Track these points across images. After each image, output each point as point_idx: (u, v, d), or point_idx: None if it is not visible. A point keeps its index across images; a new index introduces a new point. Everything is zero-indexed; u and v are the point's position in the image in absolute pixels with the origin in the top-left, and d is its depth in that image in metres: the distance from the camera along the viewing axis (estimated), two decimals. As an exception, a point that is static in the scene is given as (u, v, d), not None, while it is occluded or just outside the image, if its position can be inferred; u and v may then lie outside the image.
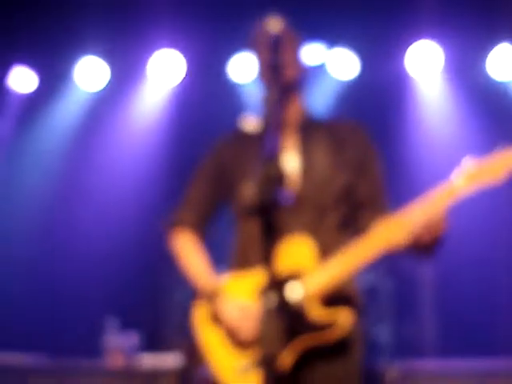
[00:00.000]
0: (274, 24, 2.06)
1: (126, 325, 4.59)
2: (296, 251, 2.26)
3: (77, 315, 5.77)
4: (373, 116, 4.36)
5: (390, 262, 5.71)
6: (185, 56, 6.07)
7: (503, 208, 5.80)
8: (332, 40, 5.94)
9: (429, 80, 6.07)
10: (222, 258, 2.50)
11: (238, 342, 2.25)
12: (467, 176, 2.12)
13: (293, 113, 2.46)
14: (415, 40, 5.79)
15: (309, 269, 2.23)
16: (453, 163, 2.18)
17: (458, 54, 5.87)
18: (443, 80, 6.07)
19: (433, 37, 5.75)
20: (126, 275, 5.95)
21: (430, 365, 4.64)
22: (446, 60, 5.84)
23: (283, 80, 2.22)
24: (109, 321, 4.43)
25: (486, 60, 5.82)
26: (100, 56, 6.03)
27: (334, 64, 6.08)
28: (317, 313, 2.20)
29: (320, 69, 6.06)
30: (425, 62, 5.83)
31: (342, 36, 5.95)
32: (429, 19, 5.65)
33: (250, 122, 2.45)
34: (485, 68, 5.85)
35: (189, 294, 5.63)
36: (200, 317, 2.37)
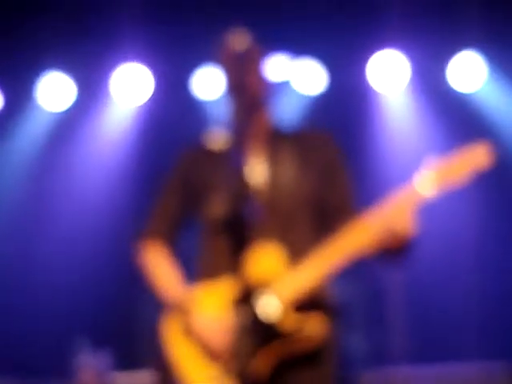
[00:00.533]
0: (239, 41, 2.07)
1: (99, 344, 4.53)
2: (266, 259, 2.26)
3: (47, 334, 5.66)
4: (339, 127, 4.41)
5: (358, 269, 5.75)
6: (150, 70, 6.03)
7: (472, 211, 5.87)
8: (297, 51, 5.97)
9: (394, 90, 6.13)
10: (189, 273, 2.50)
11: (210, 354, 2.23)
12: (430, 177, 2.12)
13: (260, 127, 2.47)
14: (379, 50, 5.84)
15: (280, 276, 2.23)
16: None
17: (423, 64, 5.93)
18: (408, 90, 6.12)
19: (397, 47, 5.81)
20: (98, 293, 5.86)
21: (402, 371, 4.67)
22: (411, 70, 5.90)
23: (248, 97, 2.24)
24: (80, 340, 4.36)
25: (450, 69, 5.89)
26: (63, 72, 5.96)
27: (299, 77, 6.10)
28: (290, 321, 2.20)
29: (285, 83, 6.10)
30: (389, 73, 5.88)
31: (307, 47, 5.98)
32: (393, 29, 5.71)
33: (216, 137, 2.46)
34: (448, 77, 5.92)
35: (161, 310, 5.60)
36: (170, 329, 2.35)
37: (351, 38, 5.72)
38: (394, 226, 2.10)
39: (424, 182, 2.11)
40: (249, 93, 2.23)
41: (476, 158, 2.12)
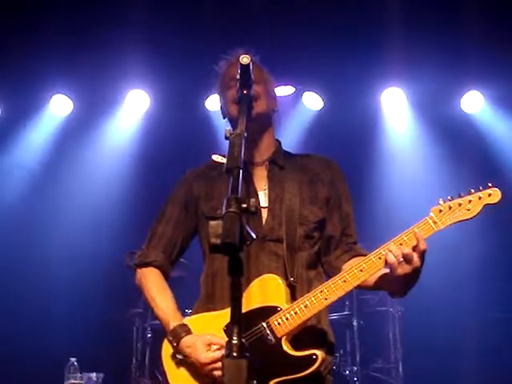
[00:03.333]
0: (244, 57, 2.05)
1: (90, 366, 4.46)
2: (267, 289, 2.21)
3: (38, 356, 5.59)
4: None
5: (358, 299, 5.72)
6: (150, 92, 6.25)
7: (473, 246, 5.88)
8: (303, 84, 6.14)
9: (396, 120, 6.48)
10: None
11: (207, 381, 2.19)
12: (443, 213, 2.14)
13: (264, 147, 2.45)
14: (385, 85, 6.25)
15: (280, 306, 2.18)
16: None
17: (421, 98, 6.27)
18: (408, 119, 6.43)
19: (396, 82, 6.24)
20: (90, 316, 5.82)
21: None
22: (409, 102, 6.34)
23: (254, 112, 2.20)
24: (71, 362, 4.29)
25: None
26: (71, 93, 6.22)
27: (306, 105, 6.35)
28: (288, 350, 2.15)
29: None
30: (392, 105, 6.36)
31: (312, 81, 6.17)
32: (394, 67, 5.98)
33: (222, 158, 2.42)
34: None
35: (154, 334, 5.54)
36: (169, 355, 2.30)
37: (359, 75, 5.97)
38: (412, 256, 2.07)
39: (437, 216, 2.13)
40: (255, 105, 2.20)
41: (486, 201, 2.15)
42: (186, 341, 2.23)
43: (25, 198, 6.20)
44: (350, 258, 2.37)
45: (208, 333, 2.21)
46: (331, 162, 2.53)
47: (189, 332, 2.25)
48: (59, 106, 6.29)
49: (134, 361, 5.64)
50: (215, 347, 2.17)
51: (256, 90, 2.25)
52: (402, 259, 2.09)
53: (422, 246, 2.09)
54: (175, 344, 2.24)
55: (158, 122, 6.34)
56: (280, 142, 2.54)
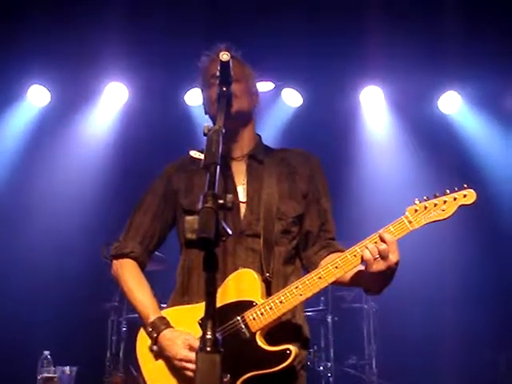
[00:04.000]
0: (224, 53, 2.05)
1: (64, 359, 4.44)
2: (243, 284, 2.22)
3: (12, 350, 5.53)
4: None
5: (333, 295, 5.76)
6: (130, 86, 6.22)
7: (447, 244, 5.95)
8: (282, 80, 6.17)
9: (374, 118, 6.55)
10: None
11: (183, 377, 2.19)
12: (419, 213, 2.16)
13: (245, 142, 2.45)
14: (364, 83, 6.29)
15: (255, 301, 2.19)
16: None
17: (399, 97, 6.34)
18: (386, 118, 6.50)
19: (375, 81, 6.30)
20: (64, 309, 5.77)
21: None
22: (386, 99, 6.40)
23: (233, 110, 2.21)
24: (44, 355, 4.27)
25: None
26: (49, 84, 6.16)
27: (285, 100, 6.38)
28: (262, 345, 2.16)
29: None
30: (370, 104, 6.41)
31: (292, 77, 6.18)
32: (373, 66, 6.04)
33: (200, 154, 2.42)
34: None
35: (129, 328, 5.52)
36: (145, 347, 2.30)
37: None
38: (387, 252, 2.09)
39: (412, 215, 2.16)
40: (235, 103, 2.22)
41: (461, 201, 2.18)
42: (165, 334, 2.23)
43: (1, 187, 6.13)
44: (328, 254, 2.38)
45: (189, 333, 2.21)
46: (310, 156, 2.54)
47: (168, 325, 2.26)
48: (37, 97, 6.23)
49: (108, 354, 5.61)
50: (192, 346, 2.17)
51: (236, 88, 2.25)
52: (377, 256, 2.10)
53: (393, 250, 2.10)
54: (155, 335, 2.24)
55: (136, 115, 6.32)
56: (260, 137, 2.55)
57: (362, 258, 2.13)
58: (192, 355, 2.14)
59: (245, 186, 2.40)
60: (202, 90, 2.50)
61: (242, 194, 2.38)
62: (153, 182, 2.54)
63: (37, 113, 6.33)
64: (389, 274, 2.13)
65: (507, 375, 5.41)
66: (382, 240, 2.10)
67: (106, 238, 3.29)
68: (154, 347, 2.25)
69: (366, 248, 2.11)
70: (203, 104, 2.51)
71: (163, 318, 2.28)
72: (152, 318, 2.28)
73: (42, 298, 5.83)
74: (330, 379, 5.52)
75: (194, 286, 2.33)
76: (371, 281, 2.18)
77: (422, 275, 5.96)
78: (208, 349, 1.39)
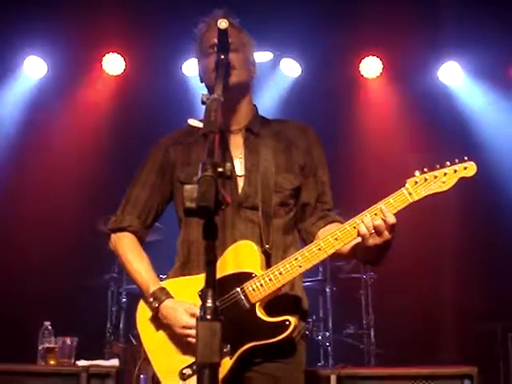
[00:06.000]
0: (222, 20, 2.01)
1: (64, 330, 4.47)
2: (242, 255, 2.22)
3: (13, 321, 5.57)
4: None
5: (331, 265, 5.79)
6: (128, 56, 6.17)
7: (445, 215, 5.97)
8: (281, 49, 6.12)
9: (373, 89, 6.55)
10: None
11: (184, 346, 2.20)
12: (419, 185, 2.15)
13: (241, 114, 2.42)
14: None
15: (255, 272, 2.19)
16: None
17: (399, 67, 6.33)
18: (386, 88, 6.51)
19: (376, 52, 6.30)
20: (64, 280, 5.80)
21: (370, 369, 4.69)
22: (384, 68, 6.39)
23: (231, 81, 2.19)
24: (45, 326, 4.29)
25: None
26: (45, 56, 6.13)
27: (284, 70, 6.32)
28: (261, 316, 2.17)
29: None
30: (370, 74, 6.40)
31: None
32: (372, 36, 6.06)
33: (198, 122, 2.40)
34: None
35: (129, 298, 5.55)
36: (145, 319, 2.31)
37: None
38: (382, 228, 2.08)
39: (412, 187, 2.14)
40: (233, 74, 2.20)
41: (461, 174, 2.16)
42: (167, 303, 2.24)
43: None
44: (326, 225, 2.38)
45: (193, 303, 2.21)
46: (307, 128, 2.51)
47: (169, 295, 2.26)
48: (33, 68, 6.18)
49: (108, 325, 5.66)
50: (192, 314, 2.18)
51: (234, 58, 2.22)
52: (373, 231, 2.10)
53: (391, 220, 2.10)
54: (156, 305, 2.24)
55: (133, 86, 6.27)
56: (257, 108, 2.52)
57: (357, 232, 2.12)
58: (194, 322, 2.14)
59: (242, 160, 2.38)
60: (199, 58, 2.45)
61: (239, 168, 2.37)
62: (149, 154, 2.52)
63: (33, 84, 6.27)
64: (384, 247, 2.13)
65: (504, 345, 5.45)
66: (384, 215, 2.09)
67: (104, 209, 3.28)
68: (156, 317, 2.25)
69: (362, 222, 2.10)
70: (199, 73, 2.47)
71: (163, 289, 2.29)
72: (153, 289, 2.28)
73: (42, 268, 5.86)
74: (329, 348, 5.58)
75: (194, 258, 2.33)
76: (368, 254, 2.18)
77: (420, 246, 5.98)
78: (208, 317, 1.39)
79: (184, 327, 2.18)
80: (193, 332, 2.14)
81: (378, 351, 5.72)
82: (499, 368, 5.41)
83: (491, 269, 5.99)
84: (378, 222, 2.09)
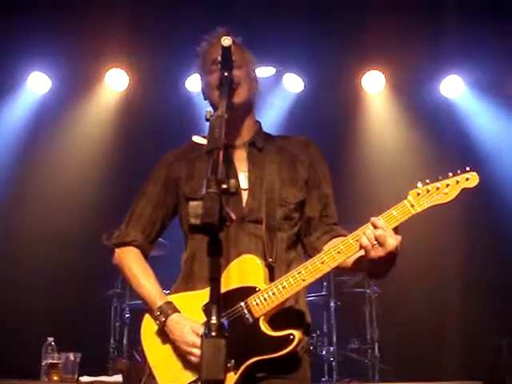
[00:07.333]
0: (226, 38, 2.03)
1: (68, 346, 4.47)
2: (246, 270, 2.22)
3: (17, 337, 5.56)
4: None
5: (335, 280, 5.78)
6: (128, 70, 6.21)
7: (449, 229, 5.96)
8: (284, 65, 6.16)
9: (376, 103, 6.56)
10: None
11: (189, 361, 2.20)
12: (421, 196, 2.13)
13: (245, 130, 2.44)
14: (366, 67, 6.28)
15: (258, 287, 2.19)
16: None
17: (401, 81, 6.36)
18: (388, 102, 6.52)
19: (378, 66, 6.33)
20: (67, 296, 5.79)
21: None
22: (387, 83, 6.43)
23: (235, 101, 2.20)
24: (48, 341, 4.29)
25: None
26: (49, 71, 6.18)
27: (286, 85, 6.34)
28: (265, 330, 2.16)
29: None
30: (372, 88, 6.44)
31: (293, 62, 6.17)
32: (374, 50, 6.09)
33: (202, 139, 2.41)
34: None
35: (132, 314, 5.53)
36: (151, 333, 2.30)
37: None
38: (385, 238, 2.07)
39: (415, 199, 2.13)
40: (236, 92, 2.21)
41: (464, 185, 2.14)
42: (174, 317, 2.23)
43: (2, 174, 6.14)
44: (330, 239, 2.37)
45: (196, 321, 2.20)
46: (309, 142, 2.52)
47: (175, 309, 2.26)
48: (37, 84, 6.22)
49: (111, 341, 5.64)
50: (197, 330, 2.17)
51: (237, 75, 2.23)
52: (375, 242, 2.09)
53: (390, 234, 2.07)
54: (163, 319, 2.24)
55: (137, 101, 6.30)
56: (260, 124, 2.54)
57: (360, 245, 2.11)
58: (199, 341, 2.14)
59: (246, 174, 2.39)
60: (201, 76, 2.47)
61: (243, 182, 2.37)
62: (154, 169, 2.53)
63: (37, 100, 6.31)
64: (389, 259, 2.10)
65: (510, 360, 5.42)
66: (375, 227, 2.08)
67: (107, 225, 3.28)
68: (161, 332, 2.24)
69: (364, 234, 2.09)
70: (202, 90, 2.49)
71: (170, 303, 2.29)
72: (159, 303, 2.28)
73: (46, 285, 5.85)
74: (333, 363, 5.56)
75: (198, 272, 2.33)
76: (372, 266, 2.15)
77: (425, 260, 5.96)
78: (213, 333, 1.39)
79: (188, 345, 2.18)
80: (197, 351, 2.14)
81: (383, 366, 5.69)
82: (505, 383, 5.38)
83: (497, 284, 5.96)
84: (379, 232, 2.07)
